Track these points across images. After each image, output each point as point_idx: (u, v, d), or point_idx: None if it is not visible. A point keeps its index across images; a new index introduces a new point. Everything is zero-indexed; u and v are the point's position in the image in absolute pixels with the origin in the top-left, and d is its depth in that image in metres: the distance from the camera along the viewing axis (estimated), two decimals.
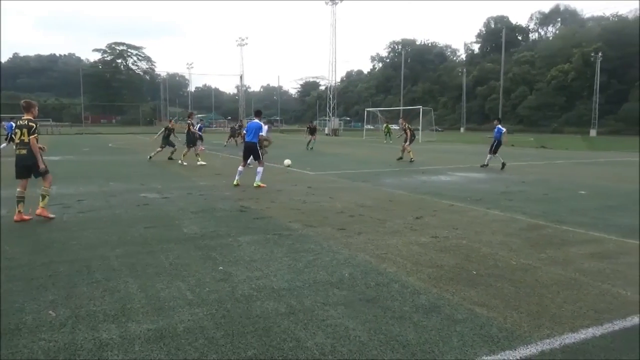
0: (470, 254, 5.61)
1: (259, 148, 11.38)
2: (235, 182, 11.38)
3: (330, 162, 18.65)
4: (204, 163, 16.66)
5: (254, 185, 11.13)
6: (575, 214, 8.14)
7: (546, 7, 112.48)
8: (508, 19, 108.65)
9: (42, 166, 7.21)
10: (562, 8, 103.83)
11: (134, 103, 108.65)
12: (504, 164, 16.34)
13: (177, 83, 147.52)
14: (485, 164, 16.97)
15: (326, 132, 59.11)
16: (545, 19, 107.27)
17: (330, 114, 60.78)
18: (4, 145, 24.06)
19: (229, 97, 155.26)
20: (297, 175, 14.08)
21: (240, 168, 11.57)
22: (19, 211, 7.21)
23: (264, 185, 11.17)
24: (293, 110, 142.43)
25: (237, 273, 4.84)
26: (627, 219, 7.83)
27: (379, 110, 60.00)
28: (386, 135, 38.56)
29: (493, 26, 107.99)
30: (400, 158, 19.54)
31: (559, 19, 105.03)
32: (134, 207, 8.54)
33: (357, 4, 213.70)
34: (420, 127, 42.79)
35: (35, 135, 7.14)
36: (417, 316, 3.79)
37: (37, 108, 7.45)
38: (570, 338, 3.43)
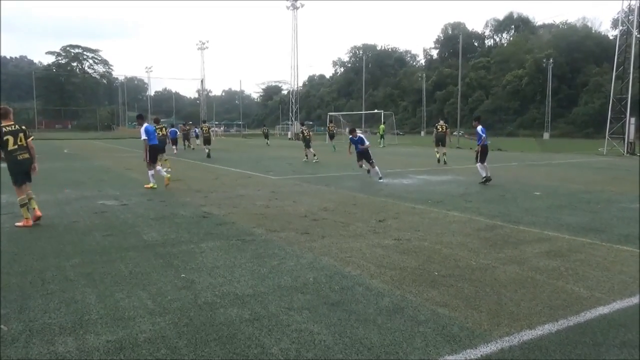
0: (431, 255, 5.73)
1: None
2: (152, 185, 11.71)
3: (292, 166, 18.62)
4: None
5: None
6: (529, 214, 8.44)
7: (500, 15, 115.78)
8: (464, 25, 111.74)
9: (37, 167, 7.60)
10: (515, 15, 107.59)
11: (91, 107, 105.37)
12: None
13: (135, 87, 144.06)
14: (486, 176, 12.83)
15: (289, 136, 59.03)
16: (499, 26, 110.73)
17: (293, 118, 60.71)
18: None
19: (189, 101, 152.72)
20: (260, 179, 14.00)
21: (152, 172, 11.84)
22: (26, 218, 7.39)
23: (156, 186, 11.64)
24: (255, 114, 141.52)
25: (199, 280, 4.76)
26: (576, 217, 8.18)
27: (341, 114, 60.37)
28: (381, 138, 37.76)
29: (450, 32, 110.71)
30: (445, 162, 19.01)
31: (513, 26, 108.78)
32: (91, 214, 8.28)
33: (319, 9, 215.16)
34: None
35: (32, 137, 7.51)
36: (381, 318, 3.83)
37: (12, 113, 7.53)
38: (527, 335, 3.55)
